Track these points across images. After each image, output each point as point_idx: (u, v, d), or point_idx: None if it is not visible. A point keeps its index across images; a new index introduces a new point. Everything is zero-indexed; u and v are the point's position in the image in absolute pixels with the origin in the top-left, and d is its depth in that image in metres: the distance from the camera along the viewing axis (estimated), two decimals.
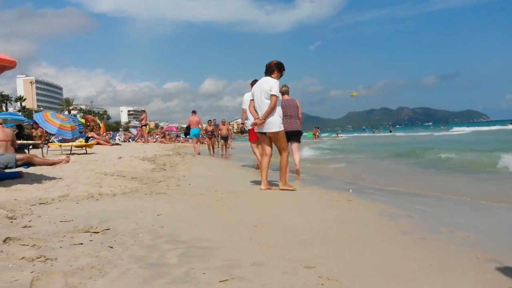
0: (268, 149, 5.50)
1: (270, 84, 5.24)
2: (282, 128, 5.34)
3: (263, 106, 5.27)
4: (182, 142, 31.51)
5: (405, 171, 9.36)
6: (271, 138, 5.42)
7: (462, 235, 3.06)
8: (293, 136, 7.73)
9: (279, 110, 5.32)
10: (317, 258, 2.38)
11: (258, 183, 6.15)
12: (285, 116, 7.29)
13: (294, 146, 7.94)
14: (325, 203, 4.58)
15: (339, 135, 51.49)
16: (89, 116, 22.74)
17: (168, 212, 3.60)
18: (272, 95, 5.20)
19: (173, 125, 68.76)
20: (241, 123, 9.27)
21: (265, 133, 5.39)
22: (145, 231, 2.84)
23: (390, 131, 64.69)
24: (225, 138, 17.25)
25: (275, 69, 5.40)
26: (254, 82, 7.87)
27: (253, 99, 5.45)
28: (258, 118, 5.28)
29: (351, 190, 5.73)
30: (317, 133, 49.87)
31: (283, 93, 7.91)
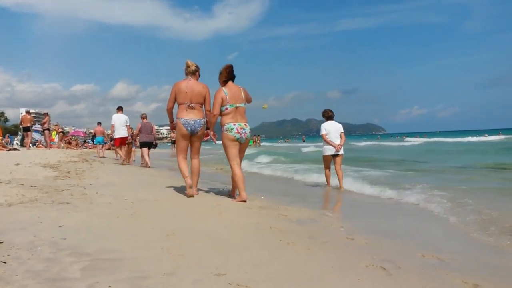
0: (330, 165, 7.87)
1: (340, 126, 7.91)
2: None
3: (337, 139, 7.76)
4: (90, 148, 29.68)
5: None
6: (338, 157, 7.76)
7: (361, 239, 3.30)
8: (147, 145, 12.47)
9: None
10: (229, 264, 2.41)
11: (172, 190, 6.04)
12: (144, 133, 12.42)
13: (146, 150, 12.37)
14: (238, 210, 4.65)
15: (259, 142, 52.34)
16: None
17: (72, 223, 3.36)
18: (342, 133, 7.85)
19: (80, 130, 64.29)
20: (111, 134, 13.95)
21: (337, 155, 7.71)
22: (45, 244, 2.63)
23: (303, 141, 67.67)
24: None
25: (333, 116, 8.01)
26: (119, 108, 12.87)
27: (326, 133, 7.80)
28: (339, 145, 7.67)
29: (262, 197, 5.88)
30: (258, 141, 50.00)
31: (143, 118, 12.63)
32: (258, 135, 53.87)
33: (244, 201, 5.12)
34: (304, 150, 27.57)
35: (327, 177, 7.87)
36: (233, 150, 5.26)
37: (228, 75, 5.27)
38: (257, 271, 2.31)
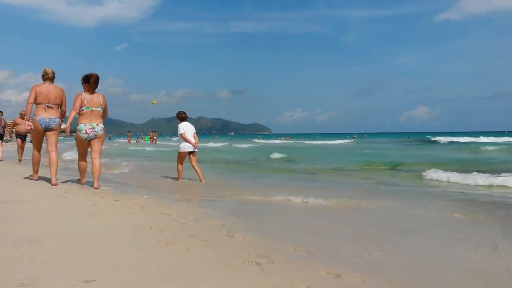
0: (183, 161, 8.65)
1: (193, 127, 8.70)
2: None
3: (192, 138, 8.54)
4: None
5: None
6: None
7: (240, 236, 3.40)
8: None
9: None
10: (100, 269, 2.27)
11: (43, 189, 5.52)
12: None
13: None
14: (118, 210, 4.43)
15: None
16: None
17: None
18: (195, 133, 8.69)
19: None
20: None
21: (193, 152, 8.54)
22: None
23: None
24: (23, 137, 13.30)
25: (186, 117, 8.77)
26: None
27: (184, 132, 8.46)
28: (196, 143, 8.53)
29: (145, 196, 5.70)
30: (155, 137, 47.58)
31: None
32: (155, 131, 51.84)
33: (82, 184, 6.52)
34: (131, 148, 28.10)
35: (180, 172, 8.54)
36: (80, 148, 6.44)
37: (94, 85, 6.21)
38: (131, 275, 2.22)
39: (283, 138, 77.26)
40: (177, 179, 8.52)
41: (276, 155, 18.67)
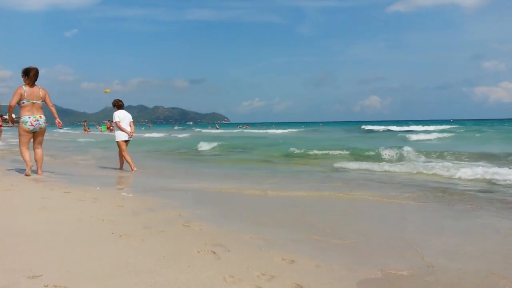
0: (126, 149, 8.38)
1: (130, 116, 8.44)
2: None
3: (129, 126, 8.37)
4: None
5: (157, 166, 9.65)
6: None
7: (197, 226, 3.38)
8: None
9: None
10: (47, 264, 2.18)
11: None
12: None
13: None
14: (67, 203, 4.26)
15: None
16: None
17: None
18: (131, 122, 8.45)
19: None
20: None
21: (129, 140, 8.39)
22: None
23: (150, 127, 67.33)
24: None
25: (123, 105, 8.53)
26: None
27: (119, 121, 8.24)
28: (131, 132, 8.36)
29: (98, 188, 5.52)
30: (112, 127, 46.19)
31: None
32: (110, 121, 50.23)
33: (28, 175, 6.32)
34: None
35: (130, 162, 8.24)
36: (25, 138, 6.43)
37: (34, 78, 6.34)
38: (80, 269, 2.14)
39: (240, 126, 77.58)
40: (130, 169, 8.30)
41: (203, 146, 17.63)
